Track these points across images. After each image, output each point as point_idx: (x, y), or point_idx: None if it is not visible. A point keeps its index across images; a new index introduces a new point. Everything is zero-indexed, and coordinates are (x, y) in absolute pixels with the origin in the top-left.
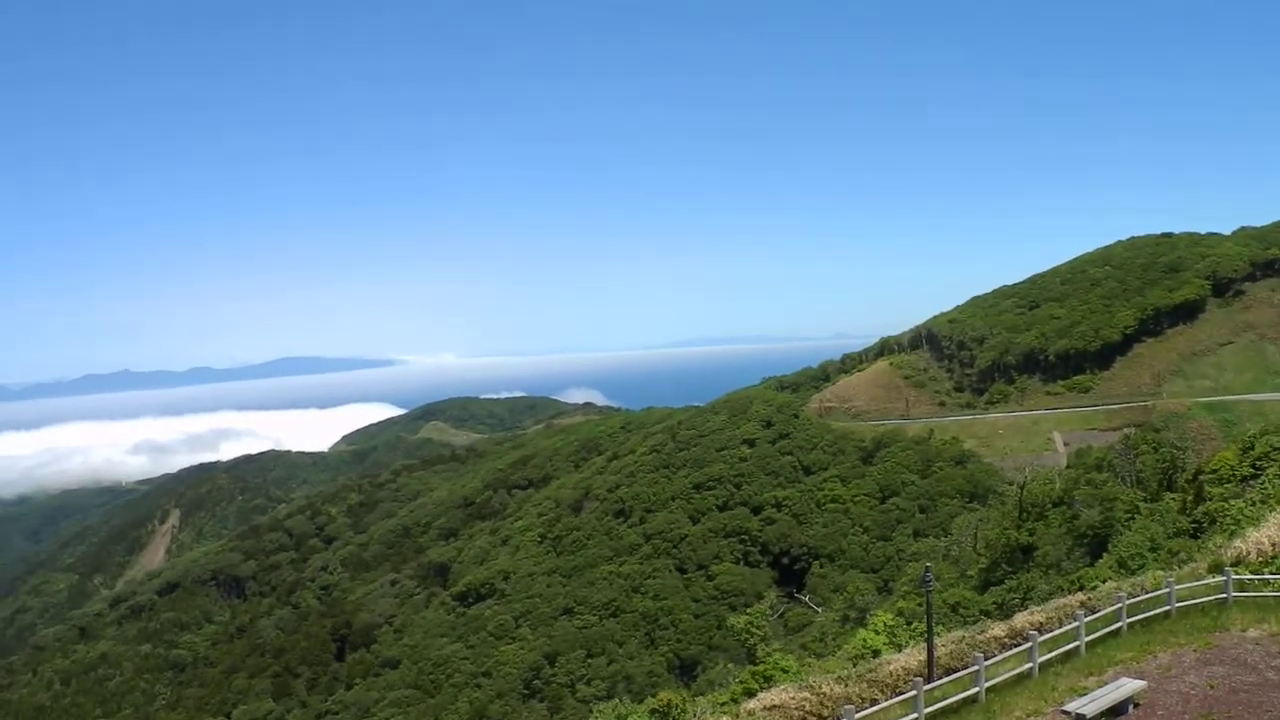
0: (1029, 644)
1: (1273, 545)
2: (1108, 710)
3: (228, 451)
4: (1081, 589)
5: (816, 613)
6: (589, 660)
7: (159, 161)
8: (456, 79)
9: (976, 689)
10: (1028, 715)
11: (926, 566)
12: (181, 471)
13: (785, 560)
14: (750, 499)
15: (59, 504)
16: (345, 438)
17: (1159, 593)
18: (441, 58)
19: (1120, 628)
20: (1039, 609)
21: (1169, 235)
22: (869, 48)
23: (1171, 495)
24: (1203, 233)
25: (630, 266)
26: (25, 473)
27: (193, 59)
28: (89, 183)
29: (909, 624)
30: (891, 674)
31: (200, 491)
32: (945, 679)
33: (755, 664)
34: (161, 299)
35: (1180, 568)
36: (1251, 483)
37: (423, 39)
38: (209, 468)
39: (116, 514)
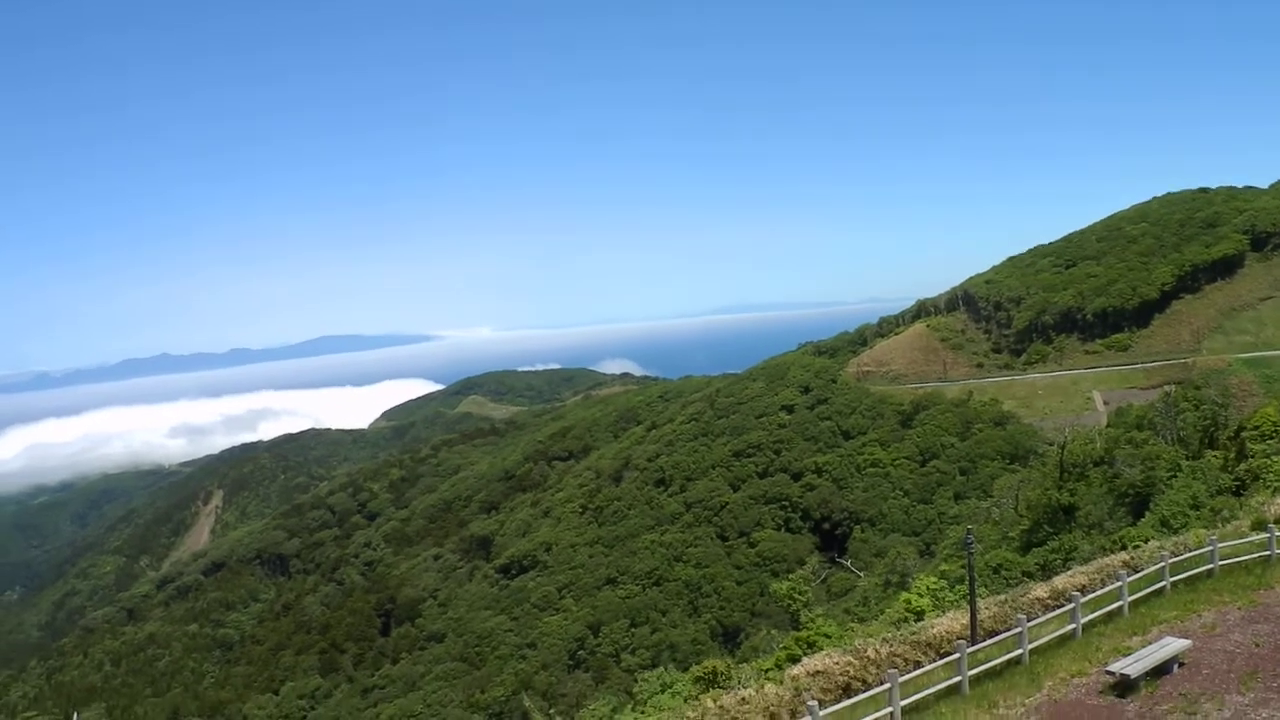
0: (1072, 605)
1: None
2: (1152, 670)
3: (266, 431)
4: (1124, 549)
5: (859, 577)
6: (633, 630)
7: (195, 146)
8: (488, 55)
9: (1020, 650)
10: (1072, 676)
11: (968, 529)
12: (224, 452)
13: (826, 525)
14: (790, 465)
15: (104, 488)
16: (385, 414)
17: (1202, 551)
18: (470, 33)
19: (1163, 587)
20: (1081, 570)
21: (1205, 190)
22: (907, 18)
23: (1213, 453)
24: (1240, 186)
25: (662, 236)
26: (67, 459)
27: (220, 40)
28: (125, 169)
29: (951, 587)
30: (935, 636)
31: (243, 471)
32: (988, 641)
33: (798, 630)
34: (200, 282)
35: (1223, 525)
36: None
37: (445, 15)
38: (251, 448)
39: (160, 496)
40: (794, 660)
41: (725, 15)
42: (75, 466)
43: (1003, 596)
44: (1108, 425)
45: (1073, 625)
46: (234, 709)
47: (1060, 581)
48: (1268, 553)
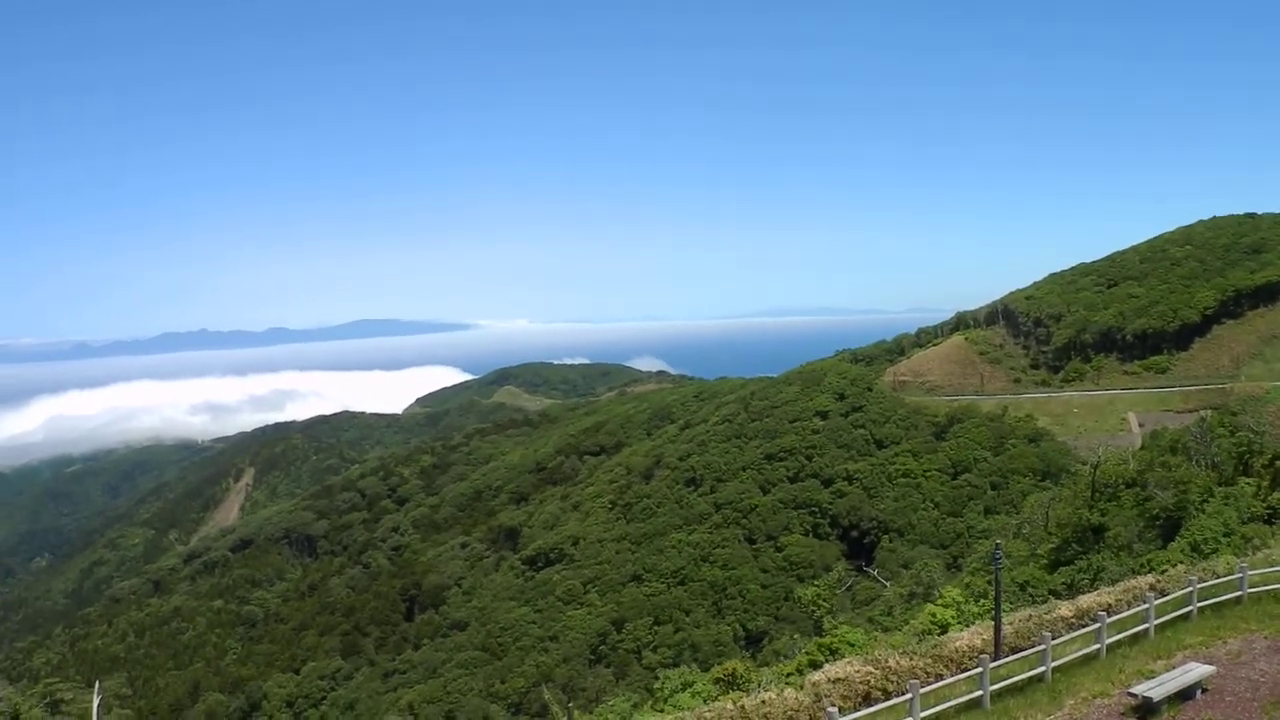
0: (1097, 625)
1: None
2: (1175, 694)
3: (293, 412)
4: (1152, 572)
5: (884, 587)
6: (656, 628)
7: (246, 125)
8: (536, 47)
9: (1043, 668)
10: (1094, 696)
11: (996, 544)
12: (256, 431)
13: (855, 533)
14: (821, 471)
15: (136, 460)
16: (420, 400)
17: (1231, 578)
18: (519, 26)
19: (1190, 612)
20: (1108, 590)
21: (1252, 215)
22: (960, 27)
23: (1247, 480)
24: None
25: (704, 235)
26: (88, 432)
27: (272, 21)
28: (177, 145)
29: (975, 600)
30: (957, 650)
31: (275, 451)
32: (1011, 657)
33: (822, 636)
34: (246, 260)
35: (1254, 553)
36: None
37: (493, 7)
38: (284, 427)
39: (192, 471)
40: (815, 666)
41: (780, 18)
42: (96, 440)
43: (1027, 613)
44: (1142, 447)
45: (1097, 645)
46: (255, 686)
47: (1086, 601)
48: None
